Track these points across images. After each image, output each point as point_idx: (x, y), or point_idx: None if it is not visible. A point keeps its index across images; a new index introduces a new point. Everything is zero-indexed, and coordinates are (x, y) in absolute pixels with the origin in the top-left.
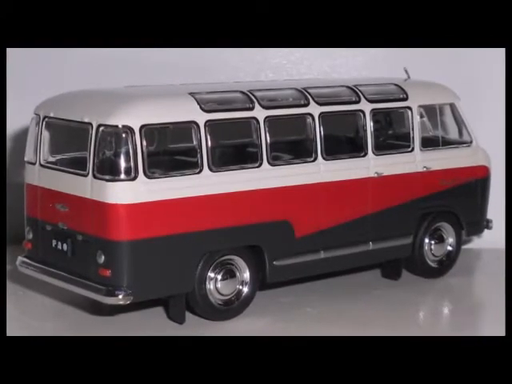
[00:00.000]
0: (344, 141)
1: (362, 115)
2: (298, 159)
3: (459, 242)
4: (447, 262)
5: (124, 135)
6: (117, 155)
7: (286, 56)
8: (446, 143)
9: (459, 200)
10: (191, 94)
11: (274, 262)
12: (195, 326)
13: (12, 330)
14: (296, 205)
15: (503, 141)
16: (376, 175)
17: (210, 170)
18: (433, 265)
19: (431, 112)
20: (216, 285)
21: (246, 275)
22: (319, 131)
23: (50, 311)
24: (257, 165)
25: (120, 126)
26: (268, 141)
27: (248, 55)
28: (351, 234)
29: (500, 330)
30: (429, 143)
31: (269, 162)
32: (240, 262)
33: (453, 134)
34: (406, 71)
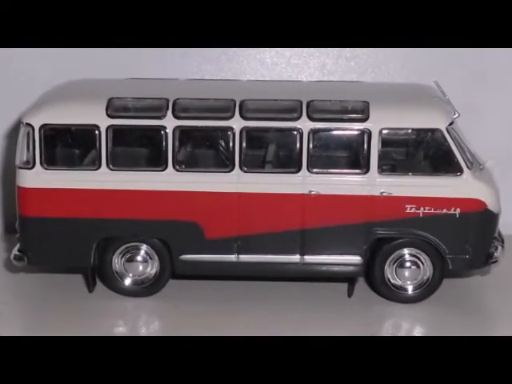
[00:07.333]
0: (274, 156)
1: (298, 134)
2: (211, 168)
3: (437, 271)
4: (424, 288)
5: (29, 132)
6: (27, 148)
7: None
8: (421, 170)
9: (434, 230)
10: (110, 98)
11: (181, 257)
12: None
13: None
14: (205, 209)
15: None
16: (311, 193)
17: (109, 168)
18: (398, 288)
19: (405, 136)
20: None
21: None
22: (239, 145)
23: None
24: (161, 169)
25: (24, 124)
26: (176, 148)
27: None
28: (275, 245)
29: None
30: (397, 168)
31: (174, 168)
32: (150, 250)
33: (439, 160)
34: (438, 85)
